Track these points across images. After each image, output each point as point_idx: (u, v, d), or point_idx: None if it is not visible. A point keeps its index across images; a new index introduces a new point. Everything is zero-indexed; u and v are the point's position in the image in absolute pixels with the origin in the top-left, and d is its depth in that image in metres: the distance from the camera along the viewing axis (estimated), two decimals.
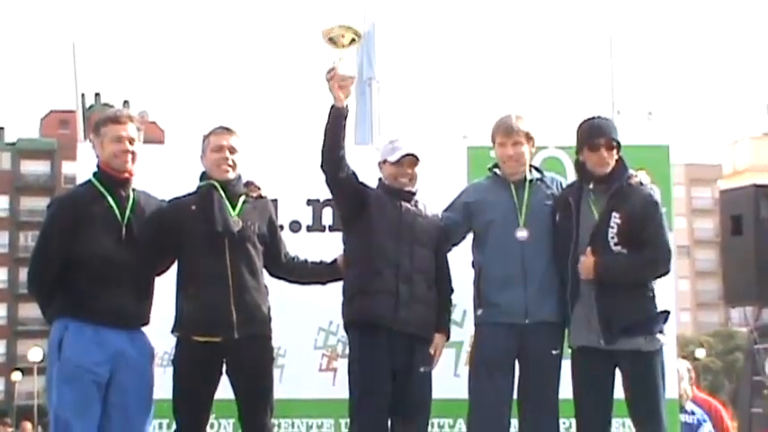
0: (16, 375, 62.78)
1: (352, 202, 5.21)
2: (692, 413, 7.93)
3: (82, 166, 5.92)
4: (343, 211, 5.46)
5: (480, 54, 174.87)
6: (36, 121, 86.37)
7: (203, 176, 5.20)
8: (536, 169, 5.39)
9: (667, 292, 5.23)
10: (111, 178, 5.02)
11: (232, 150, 5.16)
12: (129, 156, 5.00)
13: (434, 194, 5.42)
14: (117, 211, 4.96)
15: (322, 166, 5.10)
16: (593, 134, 5.17)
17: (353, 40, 5.11)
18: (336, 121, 5.05)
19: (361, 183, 5.21)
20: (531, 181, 5.29)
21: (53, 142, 78.09)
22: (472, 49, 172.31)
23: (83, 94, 6.49)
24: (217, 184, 5.13)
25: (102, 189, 4.99)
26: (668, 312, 5.20)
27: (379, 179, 5.29)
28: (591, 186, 5.18)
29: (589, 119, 5.27)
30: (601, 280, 4.99)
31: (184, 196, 5.18)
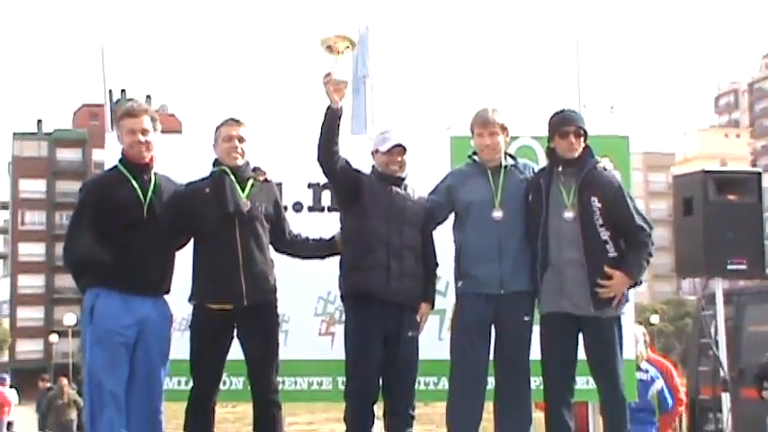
0: (53, 338, 62.97)
1: (347, 189, 5.20)
2: (646, 371, 7.95)
3: (109, 154, 5.91)
4: (339, 197, 5.45)
5: (463, 54, 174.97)
6: (69, 113, 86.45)
7: (216, 163, 5.19)
8: (510, 156, 5.38)
9: None
10: (134, 164, 5.02)
11: (241, 140, 5.15)
12: (143, 146, 4.99)
13: (421, 179, 5.39)
14: (140, 193, 4.96)
15: (318, 158, 5.08)
16: (563, 123, 5.19)
17: (348, 47, 5.10)
18: (331, 120, 5.02)
19: (356, 170, 5.18)
20: (505, 167, 5.28)
21: (84, 132, 78.15)
22: (456, 49, 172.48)
23: (110, 90, 6.47)
24: (228, 169, 5.11)
25: (127, 174, 4.99)
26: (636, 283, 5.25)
27: (373, 166, 5.27)
28: (560, 169, 5.18)
29: (560, 111, 5.28)
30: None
31: (199, 180, 5.17)
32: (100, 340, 4.84)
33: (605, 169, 5.21)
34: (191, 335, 5.11)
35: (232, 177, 5.10)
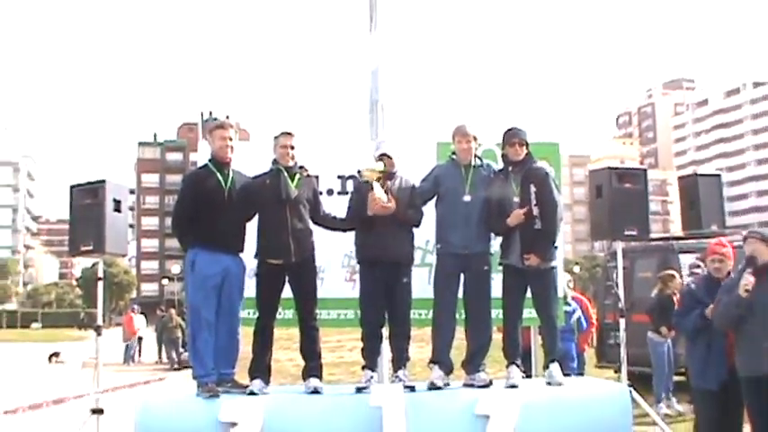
0: (165, 282, 63.50)
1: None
2: (569, 305, 7.93)
3: (201, 156, 5.85)
4: None
5: (447, 86, 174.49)
6: (174, 128, 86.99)
7: (274, 162, 5.13)
8: (478, 158, 5.29)
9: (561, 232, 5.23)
10: (219, 163, 4.99)
11: (292, 147, 5.08)
12: (229, 149, 4.98)
13: (416, 172, 5.31)
14: (222, 183, 4.95)
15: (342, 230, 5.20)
16: (511, 136, 5.17)
17: (379, 177, 4.95)
18: (362, 218, 5.00)
19: (358, 194, 5.09)
20: (474, 166, 5.20)
21: (184, 141, 79.15)
22: (442, 81, 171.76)
23: (201, 113, 6.46)
24: (282, 168, 5.05)
25: (214, 169, 4.97)
26: (557, 247, 5.22)
27: None
28: (510, 169, 5.15)
29: (510, 128, 5.23)
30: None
31: (262, 175, 5.11)
32: (198, 283, 4.84)
33: (541, 166, 5.16)
34: (257, 281, 5.07)
35: (285, 174, 5.03)
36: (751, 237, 4.82)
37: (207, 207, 4.87)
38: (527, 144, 5.14)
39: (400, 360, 5.04)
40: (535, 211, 5.02)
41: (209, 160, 5.04)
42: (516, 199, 5.07)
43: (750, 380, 4.71)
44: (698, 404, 5.30)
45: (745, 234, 4.92)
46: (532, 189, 5.03)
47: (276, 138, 5.14)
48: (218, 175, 4.94)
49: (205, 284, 4.81)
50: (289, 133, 5.13)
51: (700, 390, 5.12)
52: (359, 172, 4.99)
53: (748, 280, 4.62)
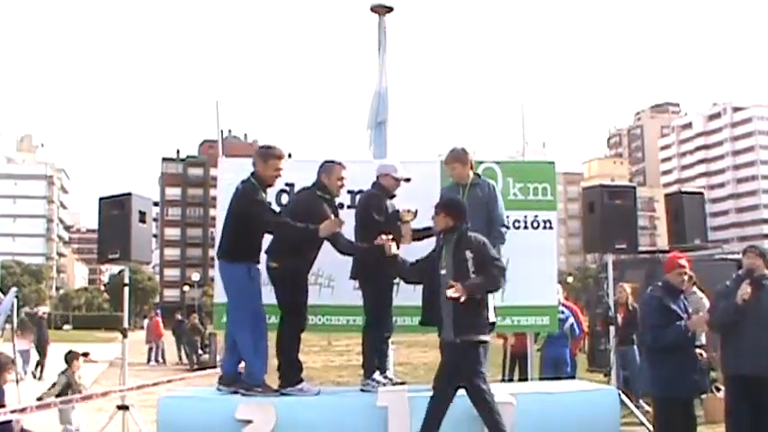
0: (186, 288, 63.44)
1: None
2: (563, 312, 7.90)
3: (221, 172, 5.85)
4: None
5: (448, 107, 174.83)
6: (196, 146, 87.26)
7: (324, 189, 4.92)
8: (477, 175, 5.24)
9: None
10: (263, 184, 4.86)
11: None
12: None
13: (419, 190, 5.24)
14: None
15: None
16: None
17: (413, 217, 4.91)
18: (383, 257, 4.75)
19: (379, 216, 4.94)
20: (472, 184, 5.16)
21: (205, 158, 79.12)
22: (443, 103, 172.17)
23: (221, 130, 6.39)
24: (334, 197, 4.98)
25: (260, 188, 4.81)
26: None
27: (379, 183, 5.08)
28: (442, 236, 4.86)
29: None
30: None
31: (318, 196, 4.89)
32: (257, 293, 4.80)
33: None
34: (297, 290, 4.84)
35: (333, 202, 4.96)
36: (750, 251, 4.83)
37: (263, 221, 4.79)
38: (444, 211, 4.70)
39: (386, 361, 5.14)
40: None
41: (255, 179, 4.81)
42: (443, 271, 4.62)
43: (734, 378, 4.66)
44: (663, 413, 4.84)
45: (745, 248, 4.95)
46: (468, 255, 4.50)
47: (332, 169, 4.93)
48: (263, 194, 4.85)
49: (259, 294, 4.78)
50: (344, 166, 4.98)
51: (669, 399, 4.74)
52: (398, 212, 4.90)
53: (746, 290, 4.58)
